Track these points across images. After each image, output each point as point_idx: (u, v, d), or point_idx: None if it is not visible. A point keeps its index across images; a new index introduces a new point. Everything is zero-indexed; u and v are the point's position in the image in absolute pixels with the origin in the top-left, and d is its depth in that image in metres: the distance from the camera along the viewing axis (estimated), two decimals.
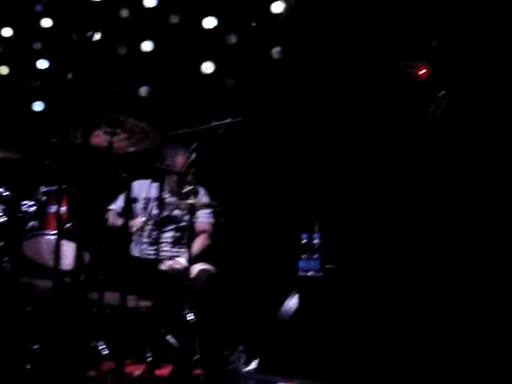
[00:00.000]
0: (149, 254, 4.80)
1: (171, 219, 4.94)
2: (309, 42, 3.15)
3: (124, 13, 6.09)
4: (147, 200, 4.90)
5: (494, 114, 4.62)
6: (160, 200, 4.20)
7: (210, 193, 5.06)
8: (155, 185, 4.38)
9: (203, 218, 5.03)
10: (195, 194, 4.43)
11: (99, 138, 4.22)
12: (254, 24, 5.69)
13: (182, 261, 4.71)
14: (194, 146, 4.32)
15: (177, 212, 4.92)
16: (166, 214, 4.80)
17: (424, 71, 3.98)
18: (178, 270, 4.65)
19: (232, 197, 5.36)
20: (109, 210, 4.95)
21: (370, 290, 3.51)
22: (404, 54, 4.11)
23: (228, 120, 4.45)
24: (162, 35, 6.03)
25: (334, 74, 4.28)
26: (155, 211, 4.73)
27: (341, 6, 4.15)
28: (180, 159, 4.78)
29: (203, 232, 5.03)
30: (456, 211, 4.59)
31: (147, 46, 6.08)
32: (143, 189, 4.87)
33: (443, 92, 3.58)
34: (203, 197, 4.94)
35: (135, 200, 4.49)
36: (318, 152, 2.80)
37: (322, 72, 4.20)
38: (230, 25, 5.89)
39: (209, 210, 5.00)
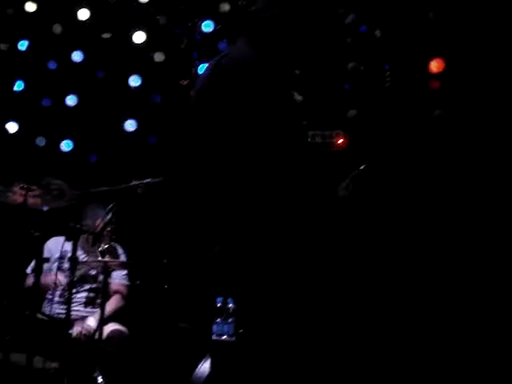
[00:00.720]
0: (59, 314, 4.67)
1: (86, 279, 4.85)
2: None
3: (52, 64, 6.04)
4: (61, 258, 4.79)
5: None
6: (73, 259, 4.13)
7: (127, 253, 4.99)
8: (69, 243, 4.30)
9: (119, 280, 4.95)
10: (111, 253, 4.38)
11: (15, 195, 4.17)
12: (184, 82, 5.76)
13: (91, 324, 4.60)
14: (110, 205, 4.29)
15: (93, 272, 4.83)
16: (80, 273, 4.71)
17: (341, 141, 4.06)
18: (87, 335, 4.54)
19: (149, 257, 5.30)
20: (26, 273, 4.84)
21: (284, 355, 3.48)
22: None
23: (148, 179, 4.46)
24: (87, 88, 6.01)
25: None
26: (68, 270, 4.63)
27: None
28: (99, 221, 4.71)
29: (118, 293, 4.95)
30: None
31: (71, 100, 6.04)
32: (58, 246, 4.77)
33: (364, 165, 3.66)
34: (120, 256, 4.88)
35: (47, 259, 4.39)
36: (232, 220, 2.81)
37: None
38: (154, 84, 5.93)
39: (125, 271, 4.94)
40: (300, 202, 2.81)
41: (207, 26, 5.78)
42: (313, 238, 2.88)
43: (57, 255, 4.75)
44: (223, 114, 2.74)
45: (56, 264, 4.78)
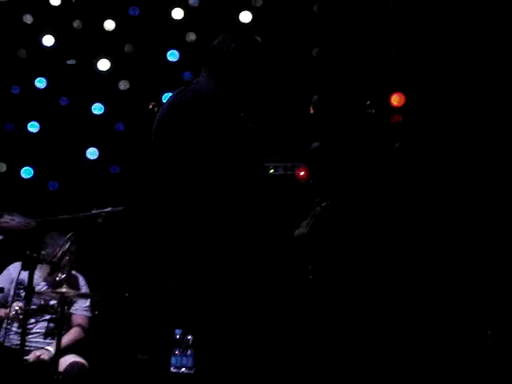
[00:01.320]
0: (17, 345, 4.55)
1: (46, 309, 4.74)
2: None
3: (15, 89, 5.99)
4: (20, 285, 4.69)
5: None
6: (29, 289, 4.04)
7: (88, 283, 4.91)
8: (25, 273, 4.21)
9: (81, 311, 4.85)
10: (70, 283, 4.32)
11: None
12: (152, 104, 5.77)
13: (50, 349, 4.50)
14: (69, 234, 4.23)
15: (52, 302, 4.73)
16: (39, 303, 4.62)
17: (303, 173, 4.10)
18: (45, 360, 4.43)
19: (109, 288, 5.23)
20: None
21: None
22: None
23: (108, 209, 4.42)
24: (49, 115, 5.96)
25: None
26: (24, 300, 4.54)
27: None
28: (59, 250, 4.63)
29: (79, 325, 4.84)
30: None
31: (33, 126, 5.98)
32: (17, 273, 4.67)
33: (325, 203, 3.68)
34: (82, 287, 4.80)
35: (2, 290, 4.29)
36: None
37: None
38: (116, 112, 5.92)
39: (87, 303, 4.84)
40: (258, 233, 2.81)
41: (172, 56, 5.81)
42: (269, 269, 2.87)
43: (16, 282, 4.64)
44: (184, 145, 2.74)
45: (14, 291, 4.67)
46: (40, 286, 4.73)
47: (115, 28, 5.90)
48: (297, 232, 3.26)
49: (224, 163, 2.71)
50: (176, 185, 2.76)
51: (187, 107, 2.77)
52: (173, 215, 2.78)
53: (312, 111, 5.32)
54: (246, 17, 5.72)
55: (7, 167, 5.96)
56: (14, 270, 4.71)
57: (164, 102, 3.05)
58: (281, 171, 4.03)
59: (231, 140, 2.73)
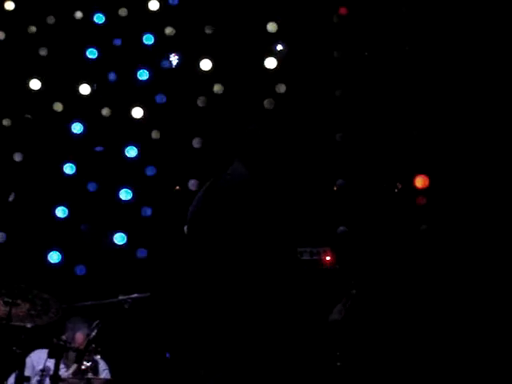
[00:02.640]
0: None
1: None
2: None
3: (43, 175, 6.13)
4: (43, 372, 4.65)
5: None
6: (55, 378, 4.01)
7: (111, 368, 4.87)
8: (52, 360, 4.18)
9: None
10: (94, 370, 4.28)
11: None
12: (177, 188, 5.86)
13: None
14: (95, 322, 4.22)
15: None
16: None
17: (329, 258, 4.07)
18: None
19: (134, 373, 5.18)
20: None
21: None
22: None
23: (135, 295, 4.42)
24: (77, 200, 6.05)
25: None
26: None
27: None
28: (79, 335, 4.62)
29: None
30: None
31: (61, 211, 6.07)
32: (41, 361, 4.64)
33: (354, 291, 3.66)
34: (103, 372, 4.76)
35: (28, 378, 4.25)
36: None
37: None
38: (145, 197, 6.00)
39: None
40: (289, 320, 2.80)
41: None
42: (300, 358, 2.84)
43: (39, 368, 4.60)
44: (218, 231, 2.78)
45: (38, 378, 4.63)
46: (63, 371, 4.67)
47: (143, 115, 6.07)
48: (331, 317, 3.23)
49: (257, 247, 2.74)
50: (209, 269, 2.79)
51: (222, 196, 2.83)
52: (208, 299, 2.79)
53: (335, 189, 5.37)
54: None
55: (35, 251, 6.01)
56: (36, 357, 4.68)
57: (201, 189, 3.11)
58: (307, 256, 4.01)
59: (266, 224, 2.78)
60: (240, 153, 2.98)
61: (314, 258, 4.11)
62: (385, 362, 4.95)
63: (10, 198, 6.12)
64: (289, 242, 2.88)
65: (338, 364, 3.91)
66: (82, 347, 4.22)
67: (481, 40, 5.45)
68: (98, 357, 4.74)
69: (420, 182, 5.49)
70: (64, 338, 4.49)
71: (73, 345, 4.45)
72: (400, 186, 5.47)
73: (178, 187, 5.89)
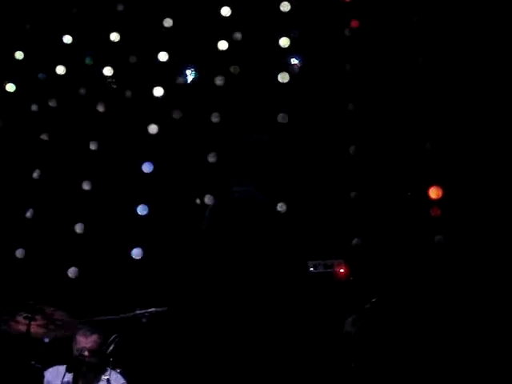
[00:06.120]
0: None
1: None
2: None
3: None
4: None
5: None
6: None
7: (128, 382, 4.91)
8: (70, 375, 4.24)
9: None
10: (109, 383, 4.32)
11: (18, 324, 4.16)
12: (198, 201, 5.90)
13: None
14: (113, 337, 4.26)
15: None
16: None
17: (343, 270, 4.11)
18: None
19: None
20: None
21: None
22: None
23: (152, 309, 4.46)
24: (92, 214, 6.12)
25: None
26: None
27: None
28: (79, 337, 4.62)
29: None
30: None
31: (78, 227, 6.13)
32: (59, 377, 4.68)
33: (373, 300, 3.69)
34: None
35: None
36: None
37: None
38: (161, 211, 6.05)
39: None
40: (302, 332, 2.83)
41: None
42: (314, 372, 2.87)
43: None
44: (231, 245, 2.83)
45: None
46: None
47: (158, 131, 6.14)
48: (344, 329, 3.25)
49: (268, 266, 2.78)
50: (222, 285, 2.82)
51: (235, 210, 2.87)
52: (219, 314, 2.83)
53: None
54: None
55: (52, 266, 6.08)
56: (52, 373, 4.71)
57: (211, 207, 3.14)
58: (321, 269, 4.05)
59: (276, 237, 2.82)
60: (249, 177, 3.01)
61: (328, 270, 4.15)
62: (399, 374, 4.94)
63: (28, 214, 6.21)
64: (300, 256, 2.91)
65: (353, 365, 3.93)
66: (99, 361, 4.25)
67: (496, 51, 5.46)
68: (118, 371, 4.80)
69: (434, 192, 5.49)
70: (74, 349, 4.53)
71: (75, 347, 4.48)
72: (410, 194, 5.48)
73: (198, 201, 5.93)
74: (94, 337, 4.62)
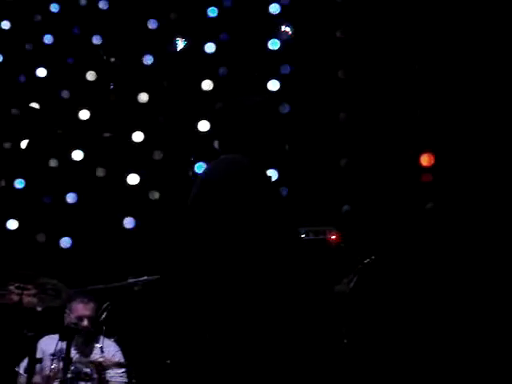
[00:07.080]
0: None
1: (80, 377, 4.75)
2: None
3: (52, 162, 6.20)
4: (55, 356, 4.72)
5: None
6: (67, 359, 4.08)
7: (123, 351, 4.94)
8: (63, 343, 4.25)
9: (115, 378, 4.86)
10: (102, 351, 4.34)
11: (10, 294, 4.17)
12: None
13: None
14: (105, 305, 4.28)
15: (87, 370, 4.75)
16: (74, 371, 4.64)
17: (334, 237, 4.10)
18: None
19: (146, 356, 5.24)
20: (18, 372, 4.75)
21: None
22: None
23: (144, 277, 4.48)
24: (86, 186, 6.11)
25: None
26: (61, 370, 4.57)
27: None
28: (76, 304, 4.65)
29: None
30: None
31: (71, 197, 6.13)
32: (51, 345, 4.70)
33: (369, 259, 3.69)
34: (116, 354, 4.82)
35: (40, 360, 4.32)
36: None
37: None
38: (152, 180, 6.04)
39: (122, 370, 4.85)
40: (294, 298, 2.83)
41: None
42: (306, 334, 2.88)
43: (49, 352, 4.67)
44: (220, 215, 2.82)
45: (49, 362, 4.70)
46: (73, 353, 4.74)
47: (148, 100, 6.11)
48: (337, 288, 3.25)
49: (260, 233, 2.77)
50: (213, 252, 2.82)
51: (219, 183, 2.86)
52: (210, 282, 2.83)
53: None
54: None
55: (46, 237, 6.09)
56: (45, 342, 4.73)
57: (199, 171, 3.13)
58: (312, 236, 4.05)
59: (264, 209, 2.80)
60: (237, 144, 2.99)
61: (320, 237, 4.15)
62: (390, 341, 4.98)
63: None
64: (291, 223, 2.90)
65: (345, 341, 3.95)
66: (92, 329, 4.28)
67: (496, 50, 5.41)
68: (112, 339, 4.84)
69: (426, 159, 5.49)
70: (65, 315, 4.55)
71: (72, 315, 4.51)
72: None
73: (190, 172, 5.92)
74: (92, 304, 4.65)
